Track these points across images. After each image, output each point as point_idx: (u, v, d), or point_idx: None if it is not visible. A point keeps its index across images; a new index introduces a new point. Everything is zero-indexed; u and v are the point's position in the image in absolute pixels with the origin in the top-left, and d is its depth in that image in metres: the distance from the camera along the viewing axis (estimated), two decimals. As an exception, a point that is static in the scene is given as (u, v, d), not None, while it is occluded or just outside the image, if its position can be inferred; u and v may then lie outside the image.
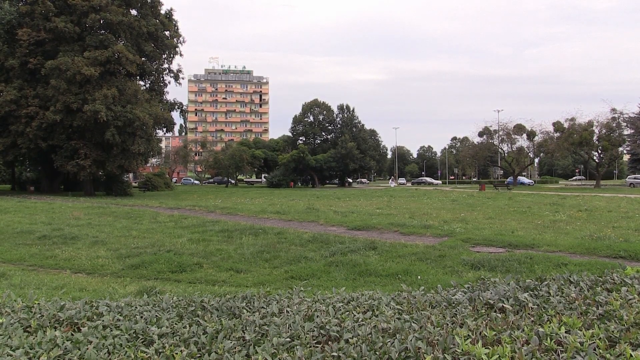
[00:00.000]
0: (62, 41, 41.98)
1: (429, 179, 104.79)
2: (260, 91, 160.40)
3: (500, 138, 76.54)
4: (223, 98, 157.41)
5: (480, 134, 79.77)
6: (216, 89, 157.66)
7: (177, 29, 50.87)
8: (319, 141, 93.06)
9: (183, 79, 52.49)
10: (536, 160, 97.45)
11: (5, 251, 12.31)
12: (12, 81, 41.43)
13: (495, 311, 3.55)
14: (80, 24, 42.50)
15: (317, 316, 3.46)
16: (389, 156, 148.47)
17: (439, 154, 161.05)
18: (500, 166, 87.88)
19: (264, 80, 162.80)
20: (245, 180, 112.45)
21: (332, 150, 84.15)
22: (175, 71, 51.40)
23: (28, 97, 40.79)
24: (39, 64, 40.67)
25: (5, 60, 41.15)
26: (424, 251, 11.36)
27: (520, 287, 4.18)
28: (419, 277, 8.89)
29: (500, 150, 78.11)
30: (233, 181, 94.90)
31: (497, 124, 78.78)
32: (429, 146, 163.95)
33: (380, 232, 15.32)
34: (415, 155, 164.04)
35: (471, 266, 9.78)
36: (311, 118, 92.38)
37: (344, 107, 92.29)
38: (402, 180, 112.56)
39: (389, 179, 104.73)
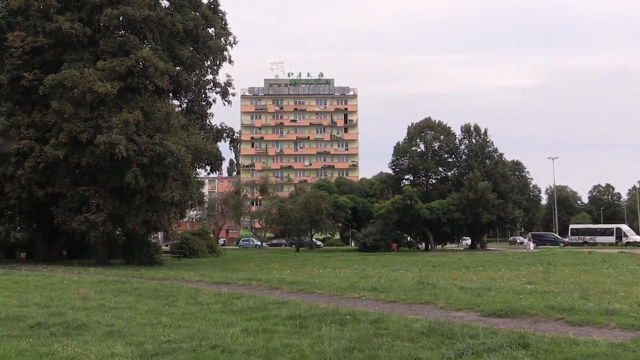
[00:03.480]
0: (68, 47, 44.31)
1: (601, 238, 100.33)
2: (346, 109, 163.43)
3: None
4: (291, 121, 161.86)
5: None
6: (281, 108, 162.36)
7: (226, 24, 53.06)
8: (433, 181, 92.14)
9: (234, 95, 54.43)
10: None
11: (-15, 346, 12.56)
12: (-2, 104, 42.80)
13: None
14: (91, 23, 45.01)
15: None
16: (544, 201, 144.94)
17: (624, 196, 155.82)
18: None
19: (351, 93, 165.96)
20: (325, 239, 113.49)
21: (454, 194, 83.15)
22: (223, 84, 53.38)
23: (20, 126, 42.32)
24: (36, 79, 42.50)
25: (-10, 76, 42.78)
26: (609, 352, 10.72)
27: None
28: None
29: None
30: (307, 242, 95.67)
31: None
32: (608, 185, 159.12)
33: (533, 320, 14.74)
34: (585, 200, 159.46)
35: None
36: (421, 146, 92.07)
37: (472, 128, 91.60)
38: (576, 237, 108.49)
39: (525, 239, 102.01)
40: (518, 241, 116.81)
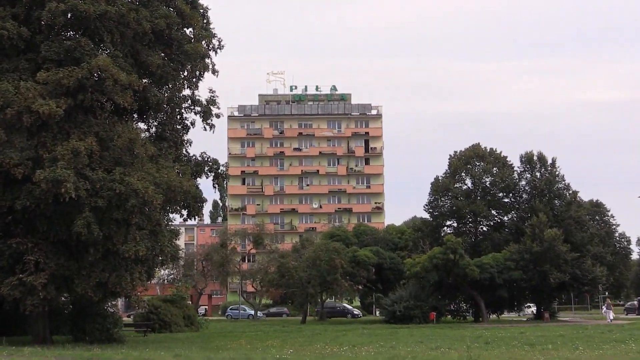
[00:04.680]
0: (-3, 54, 44.23)
1: None
2: (367, 133, 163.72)
3: None
4: (295, 149, 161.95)
5: None
6: (281, 132, 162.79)
7: (208, 23, 52.88)
8: (485, 228, 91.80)
9: (218, 116, 54.19)
10: None
11: None
12: None
13: None
14: (29, 22, 44.65)
15: None
16: (635, 255, 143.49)
17: None
18: None
19: (373, 112, 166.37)
20: (337, 307, 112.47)
21: (512, 245, 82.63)
22: (205, 102, 53.13)
23: None
24: (-47, 97, 41.86)
25: None
26: None
27: None
28: None
29: None
30: (317, 311, 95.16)
31: None
32: None
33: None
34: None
35: None
36: (468, 182, 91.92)
37: (535, 158, 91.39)
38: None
39: (603, 306, 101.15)
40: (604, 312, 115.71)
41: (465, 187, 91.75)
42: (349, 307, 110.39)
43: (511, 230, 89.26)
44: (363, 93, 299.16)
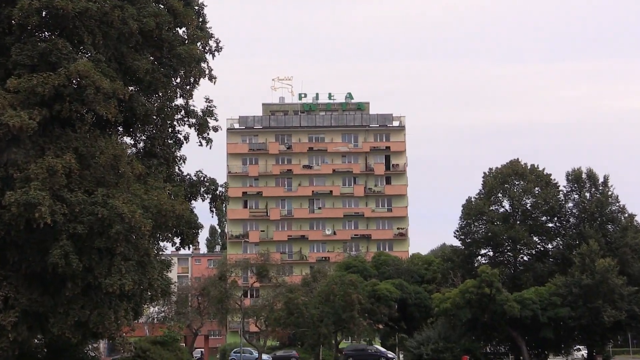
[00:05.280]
0: (-41, 58, 44.23)
1: None
2: (388, 148, 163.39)
3: None
4: (305, 167, 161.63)
5: None
6: (289, 147, 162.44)
7: (204, 21, 52.94)
8: (525, 257, 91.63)
9: (217, 129, 54.03)
10: None
11: None
12: None
13: None
14: (-2, 21, 45.24)
15: None
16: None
17: None
18: None
19: (395, 124, 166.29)
20: (368, 349, 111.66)
21: (558, 277, 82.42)
22: (201, 112, 52.97)
23: None
24: None
25: None
26: None
27: None
28: None
29: None
30: (345, 353, 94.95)
31: None
32: None
33: None
34: None
35: None
36: (506, 204, 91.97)
37: (584, 176, 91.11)
38: None
39: None
40: None
41: (502, 209, 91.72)
42: (382, 349, 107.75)
43: (557, 260, 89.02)
44: (383, 101, 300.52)
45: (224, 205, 62.45)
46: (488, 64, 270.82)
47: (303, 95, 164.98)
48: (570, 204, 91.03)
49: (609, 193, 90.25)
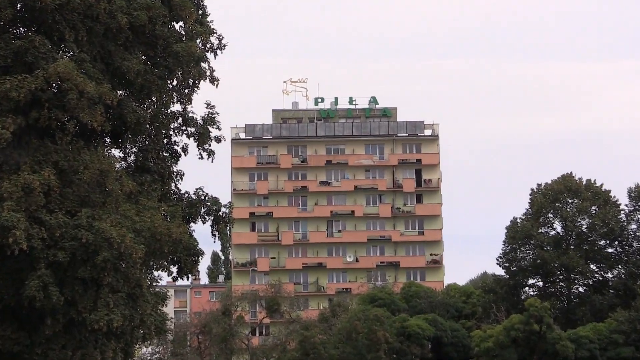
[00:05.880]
0: None
1: None
2: (419, 160, 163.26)
3: None
4: (322, 183, 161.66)
5: None
6: (303, 161, 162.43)
7: (204, 15, 52.83)
8: (581, 288, 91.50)
9: (219, 139, 53.66)
10: None
11: None
12: None
13: None
14: (-35, 16, 45.23)
15: None
16: None
17: None
18: None
19: (427, 133, 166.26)
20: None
21: (620, 312, 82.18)
22: (201, 120, 52.74)
23: None
24: None
25: None
26: None
27: None
28: None
29: None
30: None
31: None
32: None
33: None
34: None
35: None
36: (557, 226, 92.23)
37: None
38: None
39: None
40: None
41: (553, 232, 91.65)
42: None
43: (618, 291, 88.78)
44: (413, 107, 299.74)
45: (228, 228, 62.24)
46: (533, 62, 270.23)
47: (320, 100, 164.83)
48: (634, 226, 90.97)
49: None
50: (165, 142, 52.60)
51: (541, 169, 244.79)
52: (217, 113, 53.12)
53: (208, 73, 51.67)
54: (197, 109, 53.23)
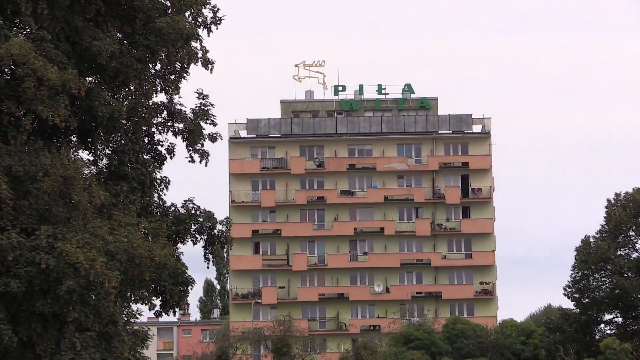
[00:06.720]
0: None
1: None
2: (465, 164, 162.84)
3: None
4: (343, 193, 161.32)
5: None
6: (320, 165, 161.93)
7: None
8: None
9: (215, 138, 53.14)
10: None
11: None
12: None
13: None
14: None
15: None
16: None
17: None
18: None
19: (476, 130, 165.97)
20: None
21: None
22: (191, 113, 52.40)
23: None
24: None
25: None
26: None
27: None
28: None
29: None
30: None
31: None
32: None
33: None
34: None
35: None
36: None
37: None
38: None
39: None
40: None
41: (635, 255, 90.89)
42: None
43: None
44: (458, 97, 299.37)
45: (225, 250, 61.80)
46: (610, 41, 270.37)
47: (340, 89, 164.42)
48: None
49: None
50: (146, 141, 52.07)
51: (621, 175, 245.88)
52: (212, 105, 52.18)
53: (200, 54, 51.08)
54: (187, 100, 52.46)
